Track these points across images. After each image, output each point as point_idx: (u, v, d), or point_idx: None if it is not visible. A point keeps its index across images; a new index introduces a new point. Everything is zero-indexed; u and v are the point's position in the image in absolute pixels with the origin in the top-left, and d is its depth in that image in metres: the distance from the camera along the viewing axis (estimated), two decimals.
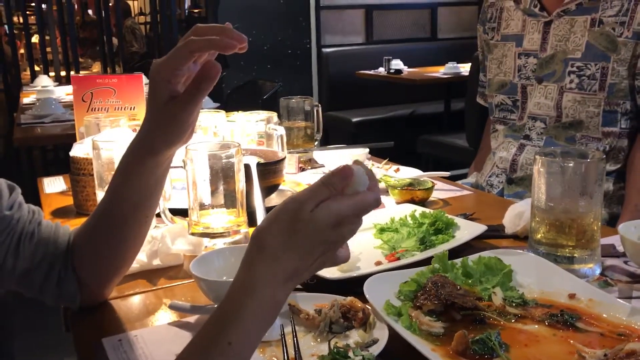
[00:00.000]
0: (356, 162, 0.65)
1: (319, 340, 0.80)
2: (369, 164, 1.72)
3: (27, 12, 5.95)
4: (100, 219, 0.88)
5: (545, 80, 1.61)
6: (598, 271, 0.99)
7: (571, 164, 0.96)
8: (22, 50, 6.74)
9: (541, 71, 1.62)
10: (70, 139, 1.54)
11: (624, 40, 1.49)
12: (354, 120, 4.86)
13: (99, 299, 0.95)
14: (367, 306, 0.83)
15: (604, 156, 0.99)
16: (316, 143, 1.81)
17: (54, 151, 4.97)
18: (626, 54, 1.50)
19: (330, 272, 0.97)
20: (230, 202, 1.13)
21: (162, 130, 0.79)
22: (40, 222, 0.90)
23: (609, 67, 1.51)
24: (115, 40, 5.91)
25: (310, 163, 1.77)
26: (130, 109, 1.62)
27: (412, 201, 1.37)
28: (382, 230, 1.18)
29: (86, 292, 0.90)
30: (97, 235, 0.88)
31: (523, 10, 1.67)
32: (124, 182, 0.84)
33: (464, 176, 1.99)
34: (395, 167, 1.68)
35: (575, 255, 0.98)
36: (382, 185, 1.50)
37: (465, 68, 4.22)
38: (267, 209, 1.22)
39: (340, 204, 0.61)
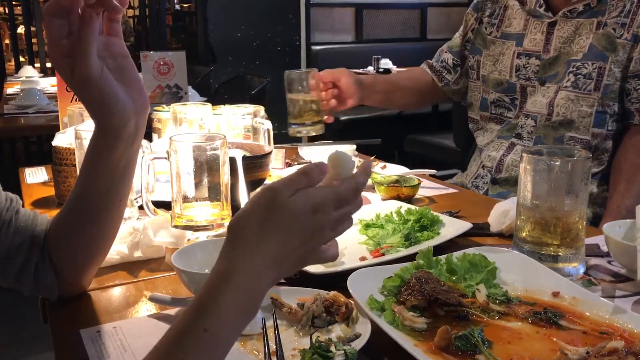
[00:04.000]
0: (338, 152, 0.66)
1: (301, 334, 0.79)
2: (355, 160, 1.71)
3: (13, 3, 5.88)
4: (74, 206, 0.86)
5: (547, 82, 1.60)
6: (582, 270, 0.99)
7: (558, 162, 0.96)
8: (7, 41, 6.66)
9: (544, 73, 1.60)
10: (54, 130, 1.52)
11: (622, 41, 1.50)
12: (342, 118, 4.86)
13: (77, 289, 0.93)
14: (350, 301, 0.83)
15: (590, 155, 0.99)
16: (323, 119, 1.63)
17: (37, 143, 4.91)
18: (623, 56, 1.50)
19: (314, 267, 0.96)
20: (214, 195, 1.12)
21: (92, 101, 0.79)
22: (18, 210, 0.88)
23: (606, 67, 1.51)
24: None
25: (297, 158, 1.76)
26: None
27: (398, 198, 1.37)
28: (367, 226, 1.18)
29: (64, 282, 0.89)
30: (71, 223, 0.87)
31: (528, 11, 1.66)
32: (93, 167, 0.83)
33: (451, 176, 1.98)
34: (382, 164, 1.67)
35: (559, 253, 0.98)
36: (368, 182, 1.49)
37: None
38: None
39: (319, 191, 0.62)
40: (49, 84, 3.74)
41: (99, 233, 0.88)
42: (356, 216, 1.20)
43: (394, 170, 1.62)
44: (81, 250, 0.88)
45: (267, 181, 1.41)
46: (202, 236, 1.11)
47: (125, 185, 0.87)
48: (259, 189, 0.62)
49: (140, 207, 1.19)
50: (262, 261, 0.60)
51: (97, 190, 0.84)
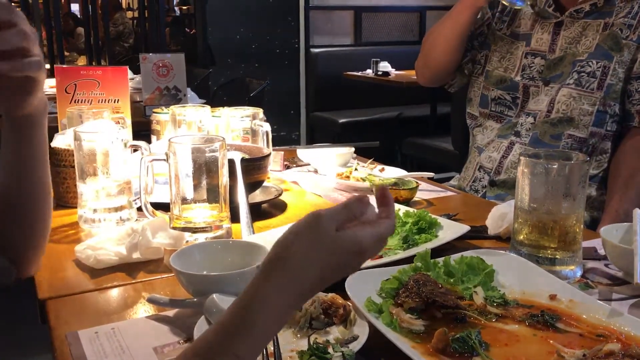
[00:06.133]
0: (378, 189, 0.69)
1: (298, 335, 0.79)
2: (354, 163, 1.71)
3: (13, 4, 5.88)
4: None
5: (552, 82, 1.59)
6: (579, 273, 1.00)
7: (555, 166, 0.97)
8: None
9: (548, 73, 1.60)
10: (53, 131, 1.51)
11: (628, 42, 1.51)
12: (341, 121, 4.86)
13: (27, 272, 0.97)
14: (348, 303, 0.83)
15: (588, 158, 0.99)
16: None
17: None
18: (627, 57, 1.51)
19: None
20: (213, 197, 1.12)
21: None
22: None
23: (610, 66, 1.52)
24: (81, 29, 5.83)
25: (295, 160, 1.77)
26: (114, 102, 1.60)
27: (396, 201, 1.36)
28: None
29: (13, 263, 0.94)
30: None
31: (537, 12, 1.66)
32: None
33: (449, 179, 1.98)
34: (380, 166, 1.67)
35: (557, 256, 0.99)
36: (366, 184, 1.50)
37: None
38: (251, 205, 1.21)
39: (364, 232, 0.63)
40: (48, 85, 3.72)
41: (25, 204, 0.91)
42: None
43: (392, 173, 1.62)
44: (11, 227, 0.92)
45: (266, 183, 1.41)
46: (201, 238, 1.11)
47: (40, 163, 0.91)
48: (303, 218, 0.63)
49: (139, 209, 1.19)
50: (300, 288, 0.60)
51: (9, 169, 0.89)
